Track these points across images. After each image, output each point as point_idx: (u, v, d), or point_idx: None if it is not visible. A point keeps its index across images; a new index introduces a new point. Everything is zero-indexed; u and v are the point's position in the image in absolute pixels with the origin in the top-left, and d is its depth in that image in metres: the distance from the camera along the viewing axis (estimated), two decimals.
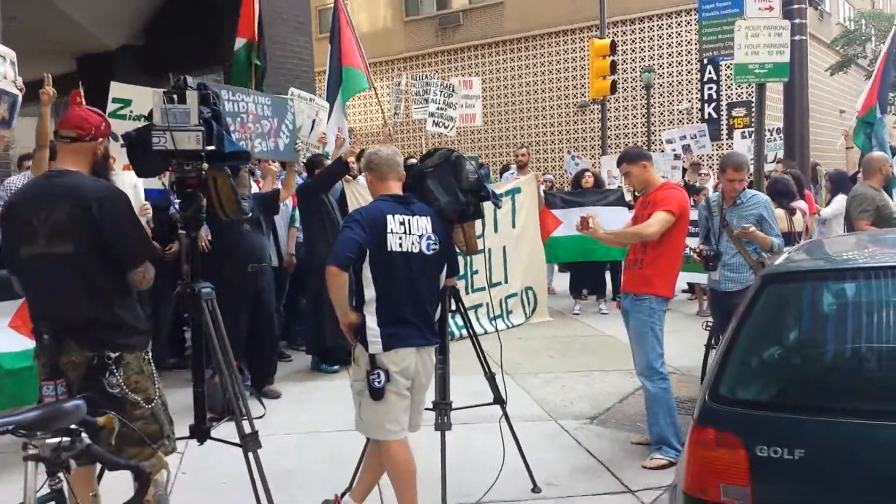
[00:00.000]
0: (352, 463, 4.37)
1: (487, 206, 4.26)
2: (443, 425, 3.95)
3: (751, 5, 7.27)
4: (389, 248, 3.46)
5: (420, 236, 3.55)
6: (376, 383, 3.43)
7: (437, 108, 9.41)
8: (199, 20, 11.50)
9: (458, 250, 4.12)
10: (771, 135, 9.44)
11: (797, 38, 8.05)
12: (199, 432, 3.58)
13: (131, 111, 6.30)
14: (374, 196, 3.74)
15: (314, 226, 6.70)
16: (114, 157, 4.68)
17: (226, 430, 3.74)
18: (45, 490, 2.32)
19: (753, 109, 20.85)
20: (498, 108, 25.81)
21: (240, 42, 7.82)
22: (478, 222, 4.21)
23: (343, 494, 3.95)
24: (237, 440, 3.66)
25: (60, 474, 2.32)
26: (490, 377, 4.26)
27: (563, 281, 10.49)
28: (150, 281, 3.20)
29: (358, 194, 6.80)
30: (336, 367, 6.77)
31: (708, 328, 5.86)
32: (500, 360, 4.22)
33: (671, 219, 4.40)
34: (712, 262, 5.20)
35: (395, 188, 3.68)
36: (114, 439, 2.86)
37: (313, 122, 7.06)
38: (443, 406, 3.98)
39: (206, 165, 3.37)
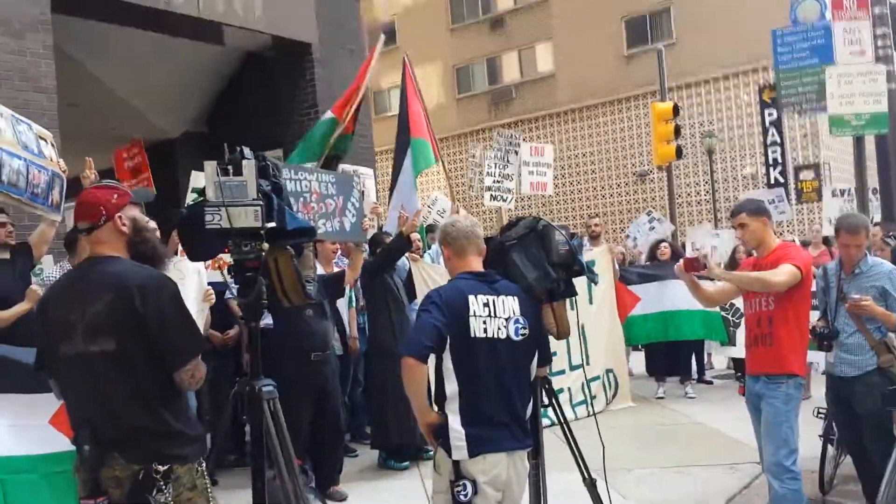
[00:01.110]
0: None
1: None
2: None
3: (840, 50, 6.72)
4: (473, 335, 2.99)
5: (507, 319, 3.07)
6: (462, 496, 2.92)
7: (494, 182, 8.98)
8: (259, 104, 11.53)
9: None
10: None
11: (893, 85, 7.38)
12: None
13: None
14: (451, 274, 3.29)
15: (378, 308, 6.27)
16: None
17: None
18: None
19: (822, 172, 20.20)
20: (553, 181, 25.59)
21: (328, 115, 7.51)
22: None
23: None
24: None
25: None
26: (591, 485, 3.66)
27: (638, 362, 9.76)
28: (201, 381, 2.74)
29: (426, 275, 6.34)
30: (406, 464, 6.23)
31: (820, 416, 5.16)
32: (602, 463, 3.61)
33: (799, 275, 3.86)
34: (827, 341, 4.54)
35: (476, 264, 3.23)
36: None
37: (361, 193, 6.72)
38: None
39: (266, 245, 2.95)
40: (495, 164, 8.98)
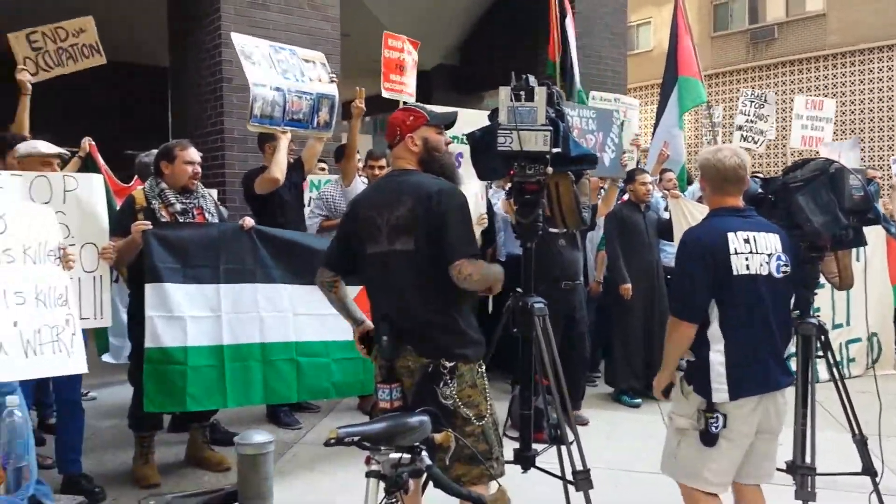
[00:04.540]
0: None
1: None
2: (805, 494, 3.26)
3: None
4: (735, 272, 2.89)
5: (769, 255, 2.94)
6: (713, 428, 2.89)
7: (747, 121, 8.51)
8: (511, 38, 11.67)
9: (827, 282, 3.45)
10: None
11: None
12: (524, 458, 3.30)
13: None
14: (709, 206, 3.16)
15: (617, 247, 6.23)
16: None
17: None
18: None
19: None
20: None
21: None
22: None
23: None
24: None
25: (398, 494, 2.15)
26: (861, 442, 3.50)
27: None
28: (469, 279, 2.76)
29: (686, 211, 6.17)
30: (638, 401, 6.27)
31: None
32: (878, 422, 3.43)
33: None
34: None
35: (735, 202, 3.07)
36: (448, 459, 2.68)
37: (622, 123, 6.63)
38: (806, 471, 3.29)
39: (549, 169, 3.07)
40: (751, 101, 8.47)
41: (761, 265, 2.92)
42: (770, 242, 2.96)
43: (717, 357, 2.91)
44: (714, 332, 2.93)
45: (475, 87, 13.19)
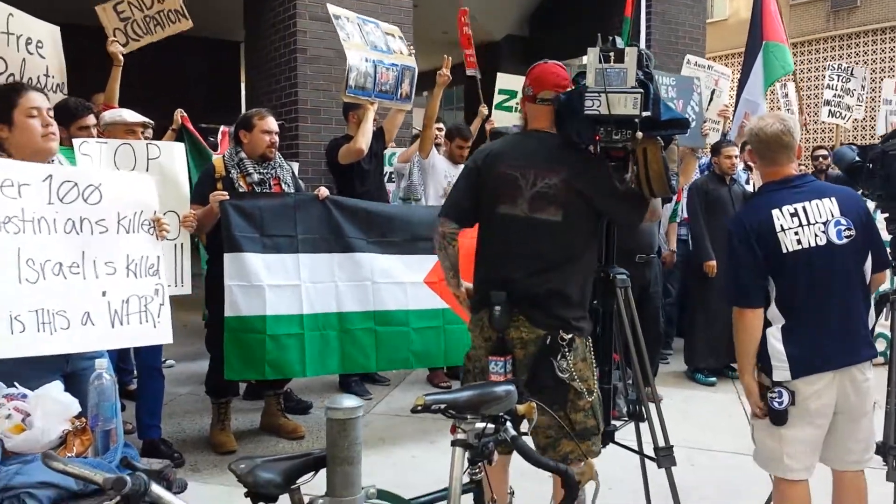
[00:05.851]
0: (745, 493, 3.88)
1: None
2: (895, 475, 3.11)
3: None
4: (785, 250, 2.77)
5: (825, 223, 2.78)
6: (776, 404, 2.78)
7: (834, 96, 8.27)
8: (581, 8, 11.41)
9: None
10: None
11: None
12: (604, 434, 3.21)
13: (517, 103, 6.28)
14: (762, 179, 3.04)
15: (704, 222, 6.03)
16: None
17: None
18: (465, 479, 2.11)
19: None
20: None
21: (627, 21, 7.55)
22: None
23: None
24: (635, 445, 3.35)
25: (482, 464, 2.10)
26: None
27: None
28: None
29: None
30: (713, 380, 6.11)
31: None
32: None
33: None
34: None
35: (787, 170, 2.91)
36: (543, 435, 2.64)
37: (712, 92, 6.38)
38: None
39: (639, 134, 2.94)
40: (838, 76, 8.16)
41: (816, 236, 2.77)
42: (825, 209, 2.80)
43: (774, 333, 2.81)
44: (773, 311, 2.84)
45: (544, 58, 12.93)
